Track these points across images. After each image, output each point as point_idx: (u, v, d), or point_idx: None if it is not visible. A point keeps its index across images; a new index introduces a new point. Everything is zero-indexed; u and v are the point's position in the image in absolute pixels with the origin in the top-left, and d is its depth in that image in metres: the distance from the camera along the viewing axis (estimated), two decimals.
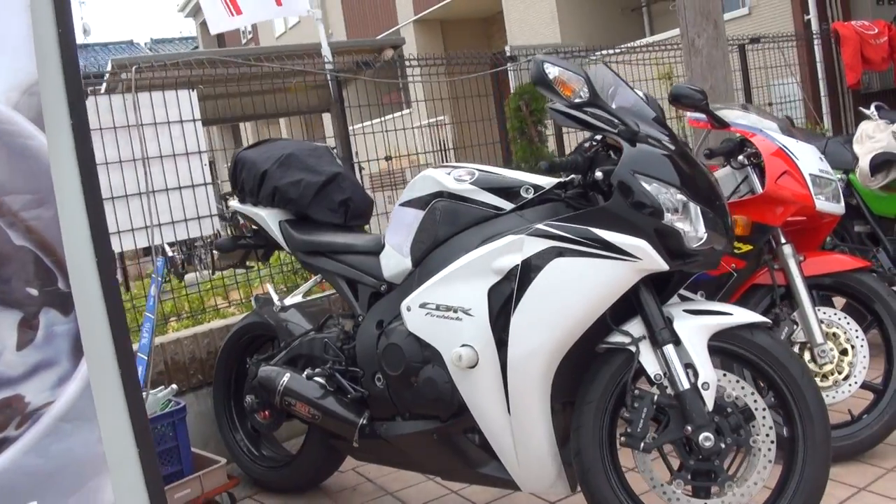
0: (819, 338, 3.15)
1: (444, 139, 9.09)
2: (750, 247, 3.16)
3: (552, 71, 2.32)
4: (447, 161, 8.72)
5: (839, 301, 3.55)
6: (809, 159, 3.22)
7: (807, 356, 3.18)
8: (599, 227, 2.27)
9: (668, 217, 2.25)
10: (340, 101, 4.64)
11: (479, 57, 6.02)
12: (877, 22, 8.59)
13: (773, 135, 3.27)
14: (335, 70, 4.69)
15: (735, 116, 3.35)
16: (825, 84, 8.87)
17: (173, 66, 4.48)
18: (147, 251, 6.55)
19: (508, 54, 7.10)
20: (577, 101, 2.33)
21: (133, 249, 4.05)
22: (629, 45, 7.77)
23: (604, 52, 6.67)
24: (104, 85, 5.19)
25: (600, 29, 13.42)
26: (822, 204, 3.15)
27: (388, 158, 5.14)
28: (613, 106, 2.47)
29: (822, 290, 3.36)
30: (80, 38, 28.82)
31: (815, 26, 9.30)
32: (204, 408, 3.89)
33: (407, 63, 5.55)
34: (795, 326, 3.19)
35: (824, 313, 3.24)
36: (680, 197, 2.28)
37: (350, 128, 7.91)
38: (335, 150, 3.82)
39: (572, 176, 2.48)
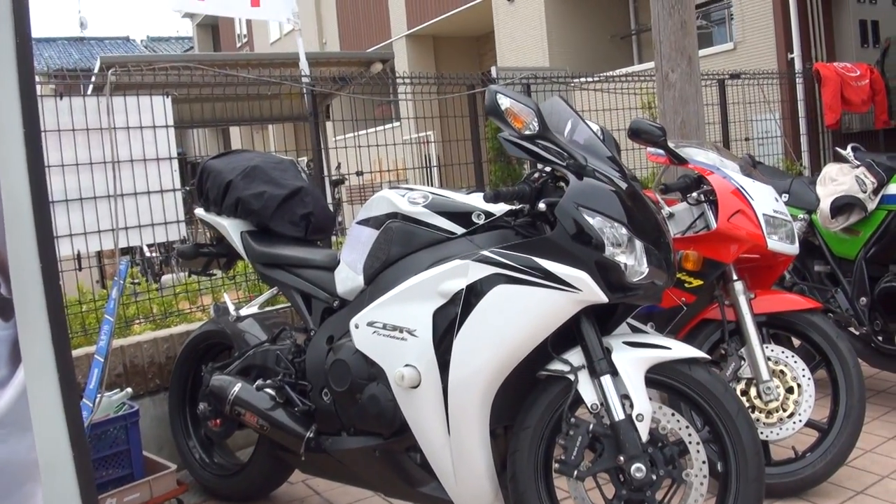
0: (765, 375, 3.20)
1: (428, 155, 9.15)
2: (701, 282, 3.22)
3: (504, 102, 2.37)
4: (431, 178, 8.80)
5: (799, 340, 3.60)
6: (764, 199, 3.29)
7: (753, 392, 3.24)
8: (542, 256, 2.32)
9: (609, 250, 2.30)
10: (315, 114, 4.68)
11: (467, 78, 6.07)
12: (859, 64, 8.71)
13: (731, 174, 3.34)
14: (310, 84, 4.73)
15: (694, 154, 3.42)
16: (805, 122, 8.96)
17: (161, 69, 4.53)
18: (125, 251, 6.57)
19: (494, 75, 7.18)
20: (526, 132, 2.38)
21: (111, 249, 4.07)
22: (609, 73, 7.85)
23: (583, 79, 6.72)
24: (91, 84, 5.24)
25: (589, 54, 13.52)
26: (775, 244, 3.22)
27: (359, 174, 5.18)
28: (567, 139, 2.53)
29: (774, 328, 3.42)
30: (76, 32, 28.80)
31: (798, 65, 9.41)
32: (160, 412, 3.92)
33: (399, 80, 5.60)
34: (743, 362, 3.24)
35: (772, 351, 3.30)
36: (624, 232, 2.33)
37: (336, 138, 7.93)
38: (304, 163, 3.86)
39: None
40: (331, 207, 6.06)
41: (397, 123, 10.38)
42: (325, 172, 5.06)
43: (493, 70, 7.19)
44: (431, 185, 8.62)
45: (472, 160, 5.92)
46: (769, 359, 3.25)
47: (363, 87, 6.21)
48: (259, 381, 3.10)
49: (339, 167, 10.11)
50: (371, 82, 6.13)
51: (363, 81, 6.15)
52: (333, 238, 5.21)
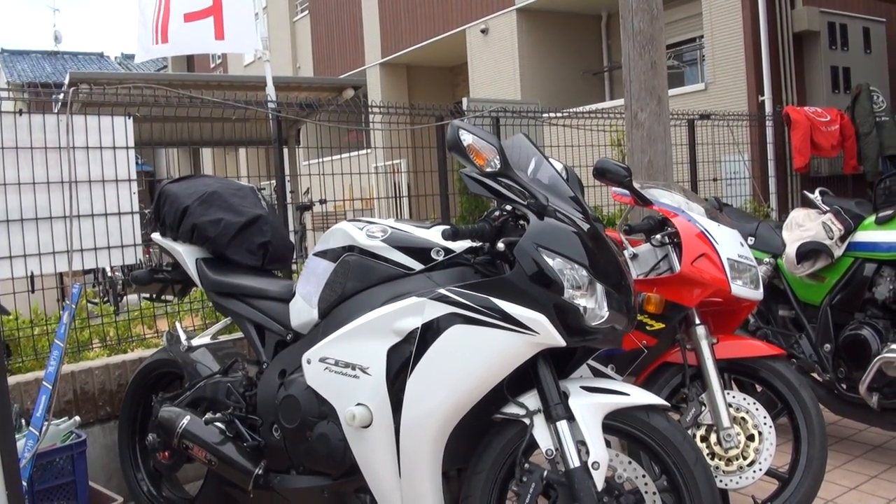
0: (726, 421, 3.16)
1: (398, 184, 9.13)
2: (663, 325, 3.18)
3: (466, 138, 2.33)
4: (400, 207, 8.77)
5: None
6: (729, 244, 3.26)
7: (713, 439, 3.19)
8: (500, 297, 2.27)
9: (568, 293, 2.25)
10: (280, 140, 4.62)
11: (436, 109, 6.05)
12: (829, 109, 8.83)
13: (696, 217, 3.31)
14: (276, 110, 4.68)
15: (659, 195, 3.39)
16: (774, 165, 9.05)
17: (127, 88, 4.46)
18: (86, 272, 6.44)
19: (464, 107, 7.17)
20: (488, 169, 2.33)
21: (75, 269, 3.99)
22: (580, 109, 7.87)
23: (553, 114, 6.72)
24: (59, 101, 5.15)
25: (560, 88, 13.61)
26: (739, 289, 3.18)
27: (322, 202, 5.12)
28: (529, 178, 2.49)
29: (736, 373, 3.39)
30: (50, 45, 28.58)
31: (768, 108, 9.51)
32: (110, 441, 3.81)
33: (371, 109, 5.57)
34: (703, 408, 3.20)
35: (733, 397, 3.26)
36: (584, 274, 2.29)
37: (305, 163, 7.85)
38: (263, 191, 3.79)
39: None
40: (296, 234, 6.02)
41: (368, 151, 10.37)
42: (289, 199, 4.98)
43: (464, 102, 7.17)
44: (401, 216, 8.64)
45: (441, 192, 5.88)
46: (730, 405, 3.20)
47: (333, 114, 6.17)
48: (209, 414, 3.02)
49: (307, 192, 10.06)
50: (341, 109, 6.09)
51: (331, 109, 6.11)
52: (295, 266, 5.13)
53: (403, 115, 5.77)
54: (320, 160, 5.24)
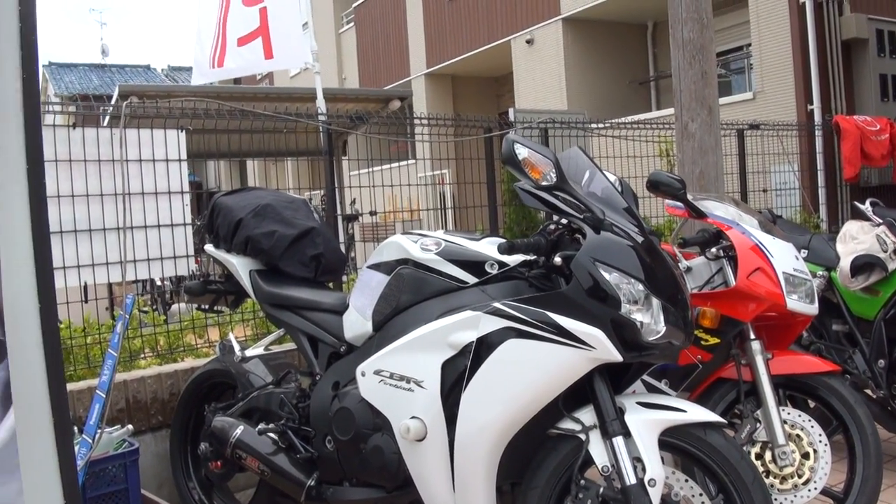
0: (781, 439, 3.10)
1: (443, 194, 9.14)
2: (718, 340, 3.14)
3: (521, 152, 2.32)
4: (445, 219, 8.78)
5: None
6: (784, 257, 3.21)
7: (767, 456, 3.14)
8: (556, 311, 2.26)
9: (625, 308, 2.23)
10: (330, 153, 4.65)
11: (484, 120, 6.05)
12: (879, 119, 8.67)
13: (750, 230, 3.27)
14: (326, 122, 4.71)
15: (713, 208, 3.36)
16: (823, 175, 8.91)
17: (178, 101, 4.52)
18: (136, 280, 6.53)
19: (511, 118, 7.16)
20: (544, 183, 2.33)
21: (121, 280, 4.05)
22: (626, 119, 7.82)
23: (601, 125, 6.69)
24: (108, 114, 5.24)
25: (606, 98, 13.54)
26: (794, 303, 3.14)
27: (372, 213, 5.14)
28: (584, 191, 2.48)
29: (790, 389, 3.34)
30: (97, 59, 29.04)
31: (817, 117, 9.38)
32: (162, 449, 3.85)
33: (416, 121, 5.59)
34: (758, 425, 3.15)
35: (789, 414, 3.21)
36: (640, 289, 2.27)
37: (351, 174, 7.90)
38: (318, 198, 3.80)
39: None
40: (343, 245, 6.05)
41: (413, 161, 10.41)
42: (339, 211, 5.01)
43: (511, 112, 7.15)
44: (445, 227, 8.64)
45: (486, 203, 5.88)
46: (785, 422, 3.15)
47: (380, 125, 6.19)
48: (262, 425, 3.04)
49: (353, 203, 10.11)
50: (388, 121, 6.11)
51: (377, 121, 6.14)
52: (345, 277, 5.16)
53: (451, 126, 5.78)
54: (370, 171, 5.26)
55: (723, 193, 4.71)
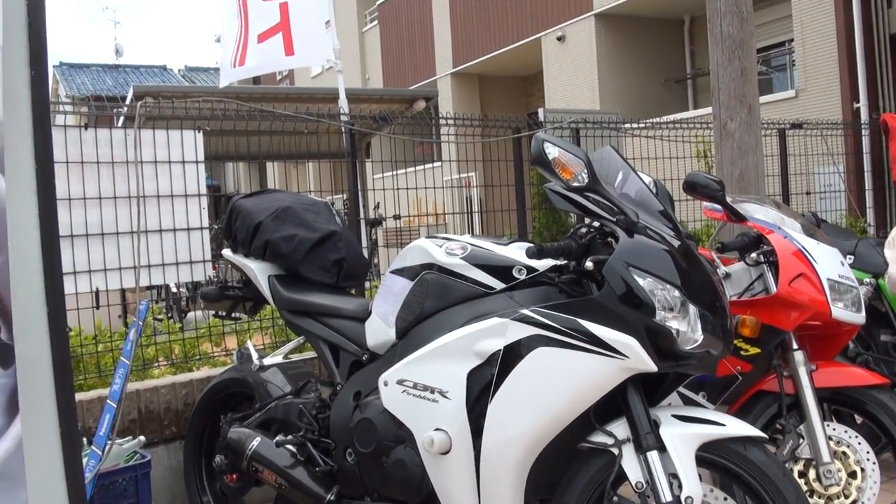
0: (826, 456, 3.06)
1: (469, 198, 9.13)
2: (758, 350, 3.11)
3: (552, 151, 2.31)
4: (472, 223, 8.77)
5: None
6: (829, 263, 3.17)
7: (811, 474, 3.10)
8: (587, 318, 2.24)
9: (660, 315, 2.21)
10: (353, 154, 4.65)
11: (512, 120, 6.04)
12: None
13: (793, 234, 3.24)
14: (349, 123, 4.72)
15: (753, 210, 3.32)
16: (871, 177, 8.81)
17: (195, 101, 4.55)
18: (148, 287, 6.58)
19: (541, 118, 7.15)
20: (575, 184, 2.31)
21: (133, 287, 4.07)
22: (662, 119, 7.77)
23: (635, 125, 6.66)
24: (123, 115, 5.29)
25: (641, 97, 13.49)
26: (840, 312, 3.09)
27: (396, 217, 5.14)
28: (617, 192, 2.46)
29: (836, 403, 3.29)
30: (111, 59, 29.29)
31: (864, 115, 9.28)
32: (175, 462, 3.87)
33: (442, 122, 5.59)
34: (801, 441, 3.10)
35: (834, 430, 3.16)
36: (676, 295, 2.24)
37: (375, 177, 7.91)
38: (340, 201, 3.80)
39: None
40: (366, 249, 6.06)
41: (438, 163, 10.42)
42: (361, 215, 5.02)
43: (541, 112, 7.14)
44: (472, 231, 8.63)
45: (515, 206, 5.86)
46: (831, 438, 3.11)
47: (404, 126, 6.20)
48: (280, 437, 3.04)
49: (377, 207, 10.13)
50: (413, 122, 6.12)
51: (403, 122, 6.14)
52: (368, 283, 5.16)
53: (478, 126, 5.77)
54: (394, 173, 5.27)
55: (763, 196, 4.66)
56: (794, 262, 3.12)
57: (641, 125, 6.81)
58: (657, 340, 2.22)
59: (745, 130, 4.73)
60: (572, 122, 6.28)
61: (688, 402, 3.08)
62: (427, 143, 11.61)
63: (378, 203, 9.68)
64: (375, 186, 5.98)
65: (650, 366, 2.21)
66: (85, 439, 3.40)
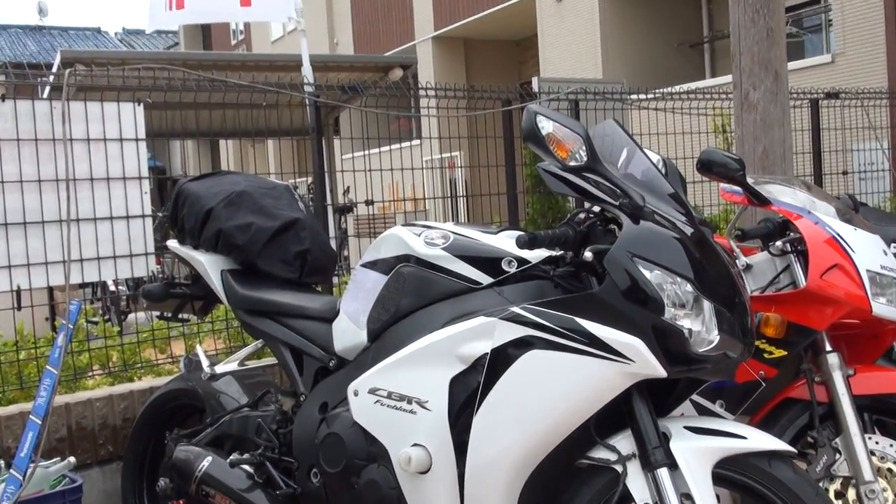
0: (867, 474, 3.07)
1: (453, 181, 9.16)
2: (785, 352, 3.13)
3: (546, 126, 2.32)
4: (456, 209, 8.78)
5: None
6: (869, 252, 3.19)
7: (851, 495, 3.12)
8: (586, 317, 2.26)
9: (670, 312, 2.23)
10: (318, 130, 4.66)
11: (502, 91, 6.06)
12: None
13: (826, 219, 3.25)
14: (314, 94, 4.72)
15: (779, 193, 3.34)
16: None
17: (135, 69, 4.54)
18: (81, 286, 6.56)
19: (535, 89, 7.17)
20: (572, 163, 2.33)
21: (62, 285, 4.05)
22: (675, 89, 7.80)
23: (644, 96, 6.69)
24: (48, 84, 5.26)
25: (651, 65, 13.52)
26: (882, 308, 3.11)
27: (369, 203, 5.16)
28: (620, 173, 2.48)
29: (879, 413, 3.32)
30: (34, 19, 29.05)
31: None
32: (111, 487, 3.88)
33: (422, 92, 5.59)
34: (837, 456, 3.13)
35: (877, 443, 3.19)
36: (689, 289, 2.27)
37: (343, 157, 7.93)
38: (305, 186, 3.81)
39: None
40: (334, 240, 6.06)
41: (417, 142, 10.42)
42: (329, 200, 5.03)
43: (535, 82, 7.16)
44: (457, 219, 8.66)
45: (505, 190, 5.88)
46: (873, 453, 3.13)
47: (379, 98, 6.21)
48: (235, 455, 3.05)
49: (347, 191, 10.14)
50: (388, 93, 6.12)
51: (376, 93, 6.15)
52: (336, 278, 5.18)
53: (463, 98, 5.78)
54: (366, 153, 5.27)
55: (791, 176, 4.70)
56: (827, 250, 3.14)
57: (650, 96, 6.83)
58: (666, 342, 2.24)
59: (769, 101, 4.76)
60: (571, 93, 6.29)
61: (703, 411, 3.11)
62: (404, 117, 11.63)
63: (348, 187, 9.69)
64: (345, 168, 5.99)
65: (658, 371, 2.23)
66: (2, 462, 3.40)
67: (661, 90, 7.70)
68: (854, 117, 7.70)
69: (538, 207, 6.68)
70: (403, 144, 8.22)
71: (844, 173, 7.82)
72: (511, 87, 6.36)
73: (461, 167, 8.73)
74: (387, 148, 5.90)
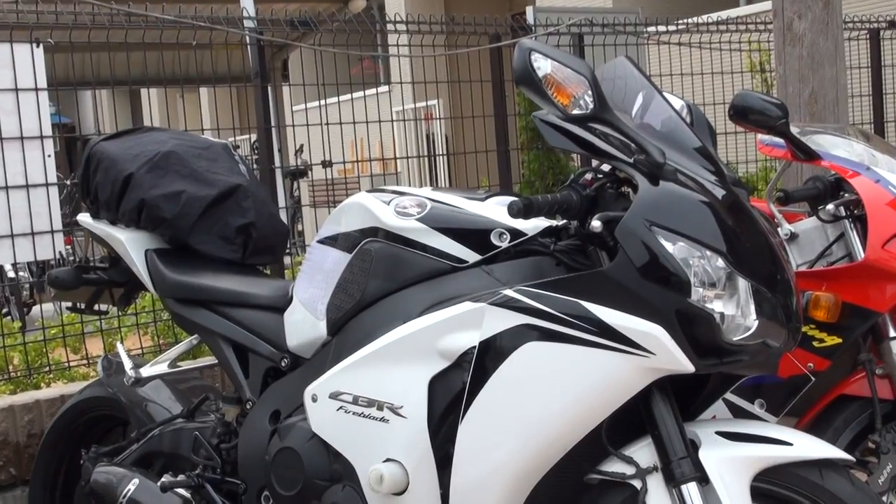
0: None
1: (432, 136, 9.15)
2: (839, 339, 3.16)
3: (543, 65, 2.32)
4: (435, 170, 8.77)
5: None
6: None
7: None
8: (595, 300, 2.27)
9: (697, 293, 2.24)
10: (263, 76, 4.64)
11: (489, 24, 6.05)
12: None
13: (889, 176, 3.27)
14: (256, 30, 4.71)
15: (830, 145, 3.36)
16: None
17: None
18: None
19: (530, 21, 7.17)
20: (576, 112, 2.33)
21: None
22: (702, 19, 7.80)
23: (664, 28, 6.69)
24: None
25: None
26: None
27: (327, 164, 5.15)
28: (636, 122, 2.49)
29: None
30: None
31: None
32: None
33: (390, 28, 5.57)
34: None
35: None
36: (720, 265, 2.28)
37: (295, 109, 7.93)
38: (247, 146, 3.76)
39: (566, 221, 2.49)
40: (285, 211, 6.01)
41: (385, 88, 10.39)
42: (278, 161, 5.02)
43: (529, 12, 7.16)
44: (436, 182, 8.64)
45: (494, 147, 5.89)
46: None
47: (337, 34, 6.18)
48: (167, 477, 3.05)
49: (300, 151, 10.10)
50: (348, 28, 6.10)
51: (334, 28, 6.12)
52: (289, 258, 5.18)
53: (441, 33, 5.78)
54: (321, 103, 5.26)
55: (846, 125, 4.72)
56: (891, 214, 3.16)
57: (672, 28, 6.83)
58: (693, 329, 2.25)
59: (818, 32, 4.77)
60: (573, 26, 6.28)
61: (739, 413, 3.14)
62: (369, 58, 11.59)
63: (301, 145, 9.64)
64: (297, 122, 5.96)
65: (684, 365, 2.25)
66: None
67: (686, 20, 7.69)
68: None
69: (535, 167, 6.68)
70: (368, 92, 8.19)
71: None
72: (501, 20, 6.36)
73: (440, 119, 8.73)
74: (347, 97, 5.87)
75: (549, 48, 2.38)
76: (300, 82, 5.44)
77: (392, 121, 7.29)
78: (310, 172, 8.59)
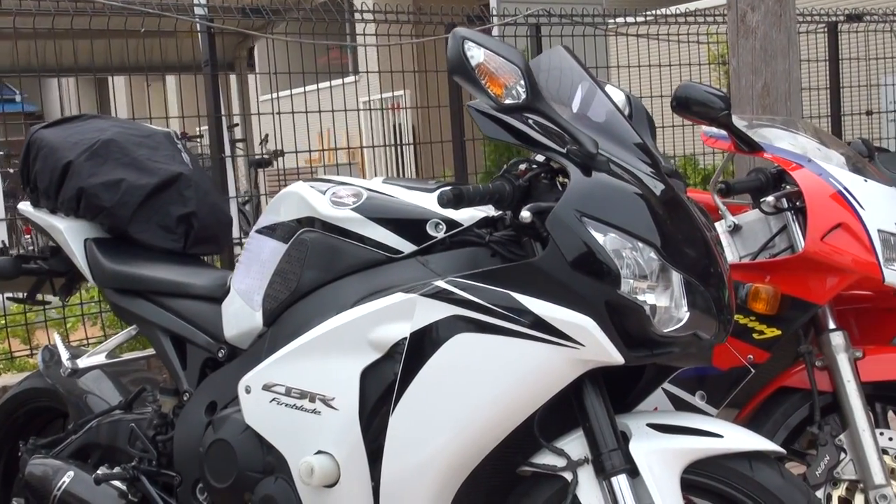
0: (878, 476, 3.12)
1: (399, 126, 9.13)
2: (779, 332, 3.16)
3: (475, 54, 2.30)
4: (402, 161, 8.76)
5: None
6: (882, 209, 3.21)
7: (858, 501, 3.17)
8: (525, 291, 2.26)
9: (628, 285, 2.24)
10: (213, 64, 4.62)
11: (455, 14, 6.04)
12: None
13: (831, 169, 3.26)
14: (206, 17, 4.68)
15: (774, 137, 3.35)
16: None
17: None
18: None
19: (494, 11, 7.17)
20: (508, 101, 2.32)
21: None
22: (661, 11, 7.80)
23: (624, 19, 6.69)
24: None
25: None
26: None
27: (278, 154, 5.14)
28: (573, 113, 2.48)
29: (892, 404, 3.37)
30: None
31: None
32: None
33: (357, 17, 5.55)
34: (843, 455, 3.17)
35: (890, 439, 3.24)
36: (652, 256, 2.27)
37: (261, 99, 7.90)
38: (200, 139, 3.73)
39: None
40: (247, 203, 6.00)
41: (353, 78, 10.36)
42: (227, 151, 5.00)
43: (492, 2, 7.15)
44: (403, 172, 8.63)
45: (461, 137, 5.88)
46: (886, 452, 3.18)
47: (303, 23, 6.16)
48: (102, 469, 3.05)
49: (265, 140, 10.07)
50: (314, 17, 6.07)
51: (299, 17, 6.10)
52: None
53: (405, 24, 5.77)
54: (288, 93, 5.24)
55: (797, 117, 4.72)
56: (831, 207, 3.15)
57: (634, 20, 6.83)
58: (624, 321, 2.24)
59: (771, 25, 4.77)
60: (531, 16, 6.25)
61: (680, 405, 3.13)
62: (336, 48, 11.55)
63: (266, 135, 9.62)
64: (262, 110, 5.95)
65: (614, 357, 2.24)
66: None
67: (649, 13, 7.69)
68: (884, 44, 7.74)
69: (493, 158, 6.67)
70: (335, 82, 8.18)
71: (868, 113, 7.87)
72: (467, 9, 6.35)
73: (406, 109, 8.72)
74: (314, 88, 5.85)
75: (483, 37, 2.37)
76: (266, 72, 5.42)
77: (358, 110, 7.28)
78: (276, 162, 8.59)
